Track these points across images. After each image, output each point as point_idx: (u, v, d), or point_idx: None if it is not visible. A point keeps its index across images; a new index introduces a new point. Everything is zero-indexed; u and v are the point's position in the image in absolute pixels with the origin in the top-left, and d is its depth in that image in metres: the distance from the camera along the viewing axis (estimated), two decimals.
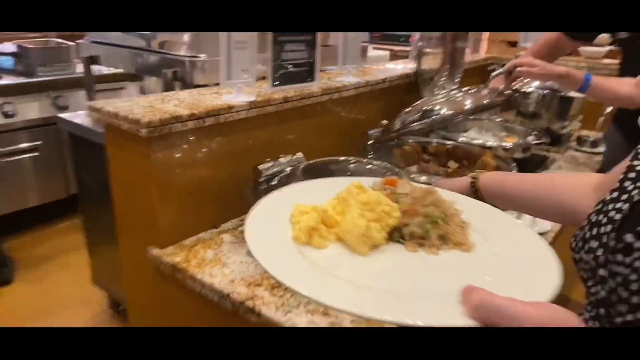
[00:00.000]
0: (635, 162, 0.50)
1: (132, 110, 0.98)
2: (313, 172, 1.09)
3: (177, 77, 1.37)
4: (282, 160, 1.16)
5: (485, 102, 1.31)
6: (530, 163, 1.56)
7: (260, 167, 1.13)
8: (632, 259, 0.42)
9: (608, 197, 0.48)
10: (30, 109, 2.28)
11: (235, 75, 1.15)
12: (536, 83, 1.96)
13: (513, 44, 2.36)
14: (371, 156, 1.40)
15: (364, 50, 2.04)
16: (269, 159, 1.16)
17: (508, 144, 1.58)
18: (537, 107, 1.94)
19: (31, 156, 2.32)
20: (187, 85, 1.39)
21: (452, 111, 1.30)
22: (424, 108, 1.35)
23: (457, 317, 0.39)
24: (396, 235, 0.51)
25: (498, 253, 0.50)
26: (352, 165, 1.14)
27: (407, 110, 1.44)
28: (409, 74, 1.75)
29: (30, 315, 1.90)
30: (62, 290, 2.07)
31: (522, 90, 1.96)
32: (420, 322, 0.38)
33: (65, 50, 2.40)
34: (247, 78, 1.18)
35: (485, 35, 2.37)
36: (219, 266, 1.01)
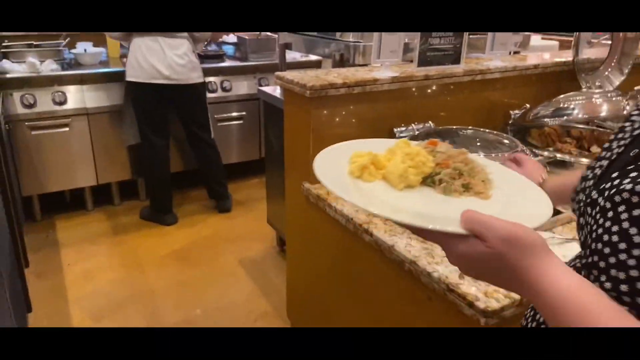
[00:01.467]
0: (626, 124, 0.57)
1: (302, 78, 1.34)
2: (435, 135, 1.29)
3: (343, 58, 1.70)
4: (413, 126, 1.39)
5: (623, 112, 1.30)
6: None
7: (395, 130, 1.38)
8: (595, 212, 0.49)
9: (600, 154, 0.58)
10: (241, 86, 2.92)
11: (383, 55, 1.42)
12: None
13: None
14: (509, 134, 1.52)
15: (525, 39, 2.08)
16: (403, 125, 1.40)
17: None
18: None
19: (237, 123, 2.98)
20: (351, 64, 1.72)
21: (585, 115, 1.33)
22: (560, 105, 1.41)
23: (455, 226, 0.49)
24: (429, 181, 0.63)
25: (507, 201, 0.61)
26: (471, 132, 1.31)
27: (545, 103, 1.51)
28: (566, 62, 1.76)
29: (222, 240, 2.52)
30: (246, 225, 2.66)
31: None
32: (430, 226, 0.51)
33: (271, 41, 3.00)
34: (393, 58, 1.44)
35: None
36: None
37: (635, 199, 0.45)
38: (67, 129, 2.46)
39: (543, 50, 2.11)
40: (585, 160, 1.32)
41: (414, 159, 0.63)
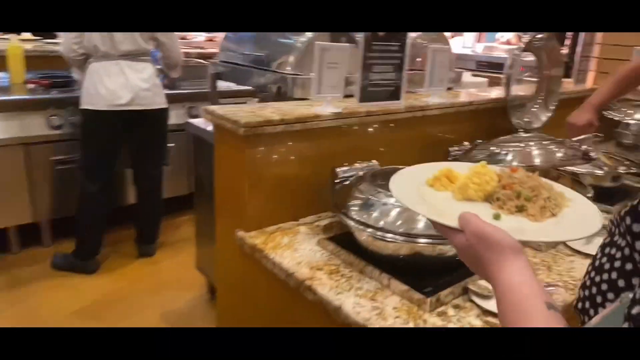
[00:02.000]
0: None
1: (235, 114, 1.20)
2: (381, 176, 1.21)
3: (281, 92, 1.60)
4: (357, 165, 1.30)
5: (557, 161, 1.30)
6: (620, 192, 1.50)
7: (338, 170, 1.28)
8: None
9: None
10: (170, 115, 2.73)
11: (324, 90, 1.33)
12: (637, 115, 1.87)
13: None
14: None
15: (457, 76, 2.12)
16: (346, 164, 1.31)
17: (599, 171, 1.54)
18: (637, 139, 1.84)
19: None
20: (289, 98, 1.61)
21: (519, 163, 1.31)
22: (492, 149, 1.40)
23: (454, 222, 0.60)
24: (491, 199, 0.71)
25: (549, 228, 0.67)
26: None
27: (481, 145, 1.49)
28: (498, 99, 1.79)
29: (144, 291, 2.25)
30: (172, 271, 2.42)
31: (623, 122, 1.88)
32: (434, 219, 0.63)
33: (201, 69, 2.83)
34: (335, 93, 1.35)
35: (592, 66, 2.28)
36: (290, 250, 1.17)
37: None
38: None
39: (474, 86, 2.16)
40: None
41: (480, 177, 0.71)
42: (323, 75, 1.31)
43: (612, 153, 1.77)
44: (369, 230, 1.07)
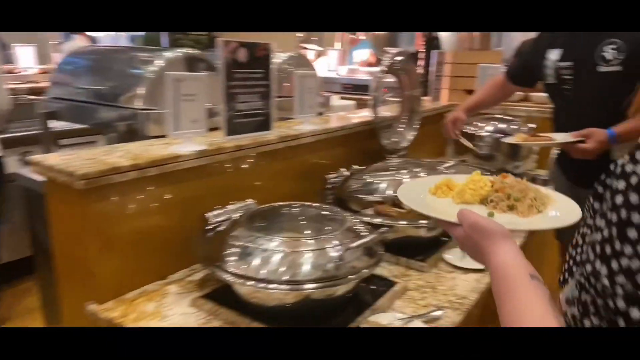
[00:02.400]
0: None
1: (70, 163, 0.98)
2: (259, 218, 1.08)
3: (132, 129, 1.39)
4: (230, 207, 1.15)
5: None
6: None
7: (208, 214, 1.12)
8: None
9: None
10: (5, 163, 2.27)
11: (184, 125, 1.17)
12: (489, 127, 2.03)
13: (470, 92, 2.45)
14: (330, 201, 1.40)
15: (326, 100, 2.10)
16: (218, 207, 1.15)
17: None
18: (491, 149, 2.00)
19: None
20: (143, 137, 1.41)
21: (393, 193, 1.28)
22: (366, 178, 1.37)
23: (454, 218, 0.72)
24: (485, 201, 0.82)
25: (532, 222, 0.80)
26: (297, 209, 1.14)
27: (355, 170, 1.46)
28: (368, 121, 1.79)
29: None
30: None
31: (477, 134, 2.02)
32: (433, 214, 0.78)
33: (32, 107, 2.42)
34: (196, 128, 1.20)
35: (445, 84, 2.46)
36: (157, 319, 0.98)
37: None
38: None
39: (343, 109, 2.17)
40: (403, 223, 1.29)
41: (475, 184, 0.84)
42: (180, 109, 1.15)
43: (470, 164, 1.88)
44: (250, 283, 0.93)
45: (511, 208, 0.81)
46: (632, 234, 0.41)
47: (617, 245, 0.43)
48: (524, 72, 1.85)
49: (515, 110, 2.39)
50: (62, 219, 1.05)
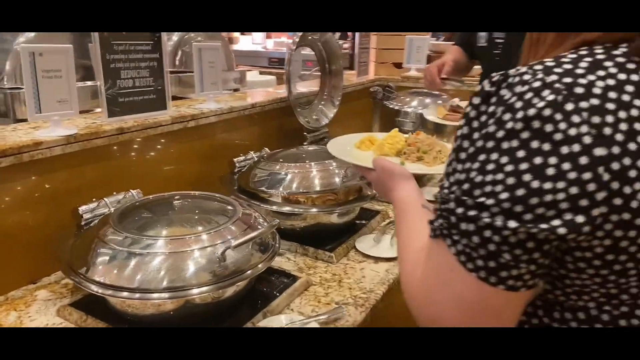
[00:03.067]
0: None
1: None
2: (134, 213, 0.96)
3: None
4: (108, 199, 1.02)
5: (335, 185, 1.20)
6: None
7: (81, 209, 0.98)
8: None
9: None
10: None
11: (48, 106, 1.00)
12: (414, 103, 1.97)
13: (398, 66, 2.38)
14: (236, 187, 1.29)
15: (242, 75, 1.95)
16: (94, 199, 1.01)
17: None
18: (415, 126, 1.95)
19: None
20: (10, 120, 1.23)
21: (301, 189, 1.19)
22: (274, 167, 1.25)
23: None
24: (400, 154, 0.99)
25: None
26: (181, 201, 1.02)
27: (264, 157, 1.34)
28: (285, 98, 1.67)
29: None
30: None
31: (402, 110, 1.96)
32: (354, 162, 0.94)
33: None
34: (65, 109, 1.04)
35: (372, 57, 2.37)
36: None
37: None
38: None
39: (261, 85, 2.03)
40: (314, 210, 1.20)
41: (392, 139, 1.04)
42: (41, 87, 0.98)
43: None
44: (122, 294, 0.81)
45: (419, 159, 0.98)
46: (462, 155, 0.49)
47: (454, 164, 0.51)
48: (464, 36, 1.79)
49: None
50: None
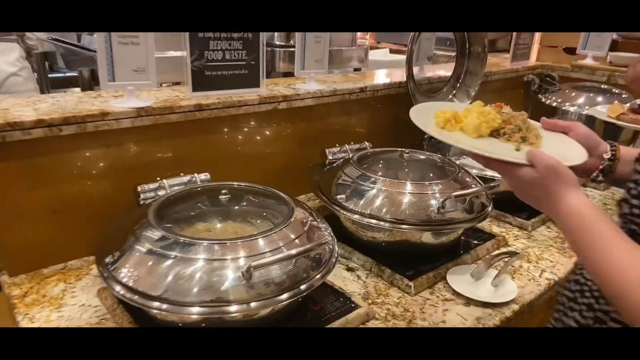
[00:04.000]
0: None
1: None
2: (174, 205, 0.86)
3: (95, 75, 1.22)
4: (168, 181, 0.94)
5: (425, 219, 0.95)
6: None
7: (141, 188, 0.93)
8: None
9: None
10: None
11: (123, 75, 0.96)
12: (579, 100, 1.53)
13: (570, 51, 1.88)
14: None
15: (363, 53, 1.75)
16: (158, 179, 0.95)
17: None
18: None
19: None
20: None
21: (381, 211, 0.96)
22: (358, 176, 1.03)
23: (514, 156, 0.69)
24: (495, 133, 0.79)
25: (552, 151, 0.69)
26: (224, 196, 0.89)
27: (354, 154, 1.13)
28: (404, 82, 1.43)
29: None
30: None
31: (561, 109, 1.54)
32: (504, 158, 0.68)
33: None
34: (142, 79, 0.98)
35: (536, 38, 1.92)
36: (53, 307, 0.83)
37: None
38: None
39: (387, 66, 1.79)
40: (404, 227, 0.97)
41: (486, 116, 0.80)
42: (116, 54, 0.94)
43: None
44: (152, 303, 0.72)
45: (524, 140, 0.77)
46: None
47: None
48: None
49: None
50: None
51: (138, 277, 0.71)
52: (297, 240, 0.76)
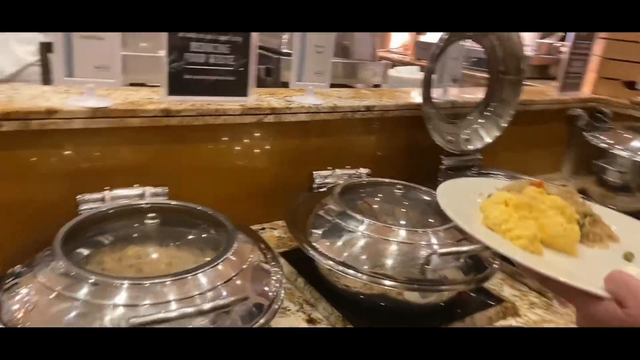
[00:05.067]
0: None
1: None
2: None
3: None
4: (111, 193, 0.83)
5: (411, 275, 0.77)
6: None
7: (81, 197, 0.82)
8: None
9: None
10: None
11: (82, 71, 0.86)
12: (634, 142, 1.29)
13: (630, 85, 1.63)
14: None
15: (382, 69, 1.58)
16: (107, 188, 0.84)
17: None
18: (631, 178, 1.28)
19: None
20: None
21: (357, 260, 0.80)
22: (339, 212, 0.87)
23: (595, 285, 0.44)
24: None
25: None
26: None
27: (344, 182, 0.97)
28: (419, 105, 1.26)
29: None
30: None
31: (610, 152, 1.31)
32: (575, 284, 0.44)
33: None
34: (104, 77, 0.88)
35: (593, 68, 1.68)
36: None
37: None
38: None
39: (410, 84, 1.61)
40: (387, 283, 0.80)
41: (564, 212, 0.57)
42: (74, 48, 0.84)
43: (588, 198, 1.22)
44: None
45: (610, 238, 0.58)
46: None
47: None
48: None
49: None
50: None
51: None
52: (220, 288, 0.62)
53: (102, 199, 0.82)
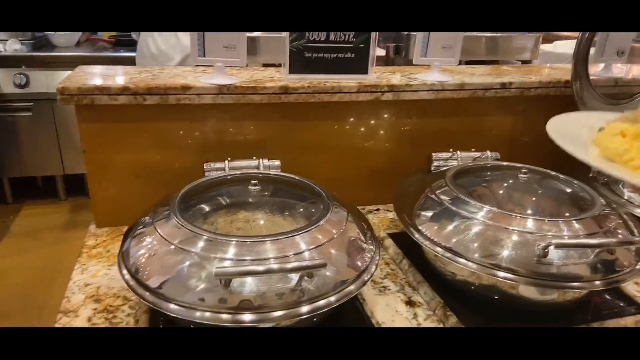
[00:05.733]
0: None
1: (71, 78, 0.93)
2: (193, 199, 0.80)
3: None
4: (237, 163, 0.90)
5: (528, 268, 0.67)
6: None
7: (207, 165, 0.91)
8: None
9: None
10: None
11: (212, 51, 0.94)
12: None
13: None
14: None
15: (533, 43, 1.39)
16: (229, 159, 0.92)
17: None
18: None
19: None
20: None
21: (467, 249, 0.71)
22: (450, 197, 0.79)
23: None
24: None
25: None
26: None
27: (461, 166, 0.88)
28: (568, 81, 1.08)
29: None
30: None
31: None
32: None
33: None
34: (232, 57, 0.95)
35: None
36: (107, 264, 0.88)
37: None
38: (29, 113, 2.34)
39: (563, 59, 1.38)
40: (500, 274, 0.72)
41: None
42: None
43: None
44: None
45: None
46: None
47: None
48: None
49: None
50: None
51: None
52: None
53: (224, 168, 0.90)
